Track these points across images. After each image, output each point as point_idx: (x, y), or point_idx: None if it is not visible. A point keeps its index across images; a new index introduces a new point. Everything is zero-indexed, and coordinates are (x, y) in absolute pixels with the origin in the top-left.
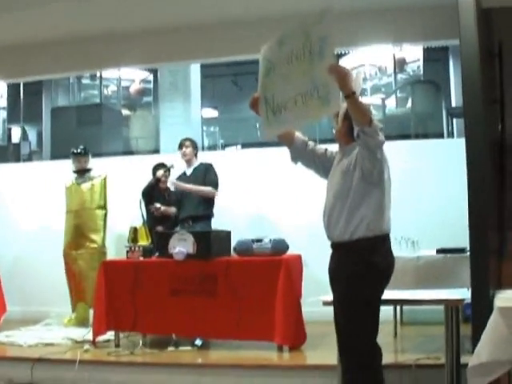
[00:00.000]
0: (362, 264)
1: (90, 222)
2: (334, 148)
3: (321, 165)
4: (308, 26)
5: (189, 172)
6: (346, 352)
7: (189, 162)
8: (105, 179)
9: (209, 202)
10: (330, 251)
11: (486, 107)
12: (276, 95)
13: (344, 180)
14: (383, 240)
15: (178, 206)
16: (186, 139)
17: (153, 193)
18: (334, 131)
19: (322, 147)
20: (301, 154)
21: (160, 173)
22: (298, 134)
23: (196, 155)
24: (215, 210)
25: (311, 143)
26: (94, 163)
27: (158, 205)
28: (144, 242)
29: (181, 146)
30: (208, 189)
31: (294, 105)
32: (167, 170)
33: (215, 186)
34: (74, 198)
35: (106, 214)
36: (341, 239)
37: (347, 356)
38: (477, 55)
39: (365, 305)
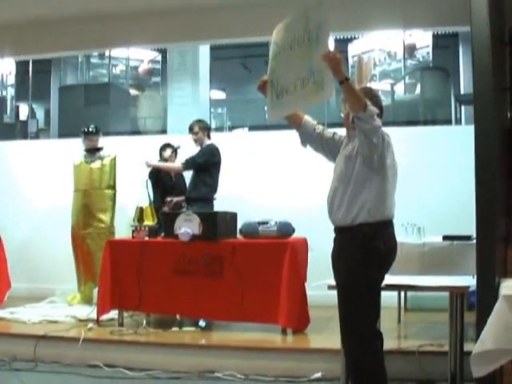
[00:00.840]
0: (363, 249)
1: (98, 202)
2: (342, 132)
3: (328, 149)
4: (308, 12)
5: None
6: (346, 336)
7: (200, 144)
8: (114, 159)
9: (207, 184)
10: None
11: (495, 94)
12: (280, 79)
13: (347, 165)
14: (385, 225)
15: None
16: (195, 122)
17: (159, 174)
18: (341, 115)
19: (330, 131)
20: (309, 138)
21: (167, 153)
22: (307, 118)
23: (209, 136)
24: (221, 192)
25: (320, 127)
26: (102, 142)
27: (169, 198)
28: (150, 222)
29: (189, 130)
30: (175, 166)
31: (294, 89)
32: (174, 150)
33: (188, 162)
34: (82, 176)
35: (114, 194)
36: (343, 223)
37: (348, 340)
38: (488, 41)
39: (364, 289)
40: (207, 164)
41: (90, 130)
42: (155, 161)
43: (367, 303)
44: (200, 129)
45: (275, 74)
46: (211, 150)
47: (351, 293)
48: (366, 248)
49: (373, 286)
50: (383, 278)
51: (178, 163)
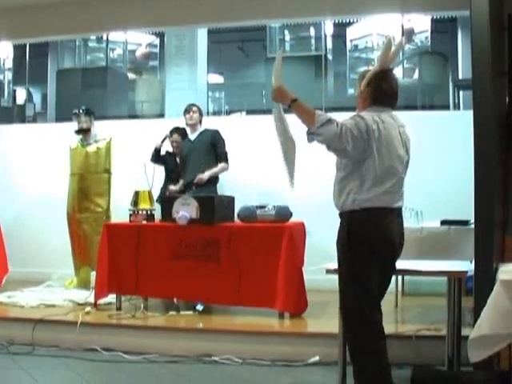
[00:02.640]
0: (347, 235)
1: (94, 186)
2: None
3: None
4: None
5: (193, 137)
6: (342, 321)
7: (193, 128)
8: (109, 142)
9: (212, 166)
10: (332, 220)
11: (494, 79)
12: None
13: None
14: (371, 213)
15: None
16: (193, 104)
17: (160, 156)
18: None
19: None
20: None
21: (175, 137)
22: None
23: (201, 121)
24: (219, 176)
25: None
26: (98, 126)
27: (172, 187)
28: (146, 205)
29: (187, 111)
30: (220, 167)
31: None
32: (182, 134)
33: (226, 158)
34: (78, 160)
35: (110, 178)
36: (338, 209)
37: (343, 325)
38: (487, 26)
39: (351, 274)
40: None
41: (80, 111)
42: (207, 174)
43: (353, 288)
44: (198, 110)
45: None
46: (220, 135)
47: (341, 277)
48: (349, 234)
49: (357, 271)
50: (371, 265)
51: (220, 165)
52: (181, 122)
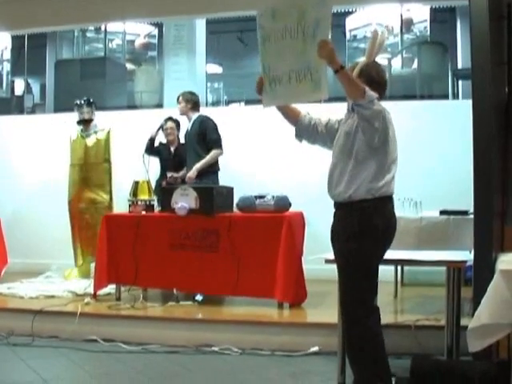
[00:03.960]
0: (361, 224)
1: (95, 176)
2: (337, 107)
3: (328, 136)
4: (305, 6)
5: (189, 127)
6: (343, 310)
7: (187, 117)
8: (109, 132)
9: (203, 156)
10: (331, 210)
11: (493, 69)
12: (271, 67)
13: (347, 141)
14: (384, 202)
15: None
16: (181, 94)
17: (154, 147)
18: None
19: (325, 118)
20: (306, 132)
21: (169, 125)
22: (303, 113)
23: (194, 109)
24: (220, 165)
25: (315, 118)
26: (98, 116)
27: (169, 174)
28: (146, 196)
29: (177, 102)
30: (212, 154)
31: (288, 81)
32: (176, 123)
33: (217, 144)
34: (79, 151)
35: (110, 168)
36: (342, 199)
37: (345, 314)
38: (486, 15)
39: (361, 264)
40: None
41: (82, 102)
42: (195, 169)
43: (361, 278)
44: (183, 100)
45: (266, 60)
46: (211, 121)
47: (346, 267)
48: (363, 224)
49: (370, 262)
50: (382, 255)
51: (211, 153)
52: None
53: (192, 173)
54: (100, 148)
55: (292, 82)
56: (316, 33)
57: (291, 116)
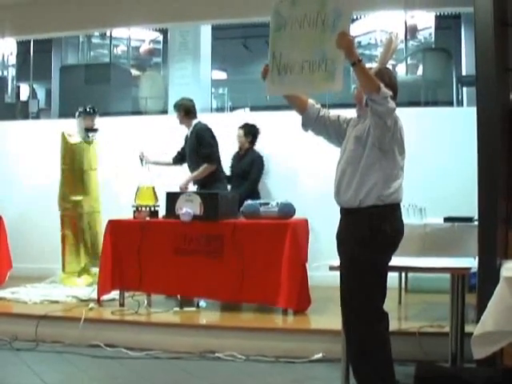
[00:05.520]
0: (371, 231)
1: (92, 182)
2: (346, 114)
3: (333, 132)
4: None
5: (189, 134)
6: (351, 317)
7: (186, 125)
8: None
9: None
10: (336, 217)
11: (498, 76)
12: (283, 55)
13: (357, 146)
14: (393, 208)
15: None
16: (174, 105)
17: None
18: (355, 91)
19: (334, 114)
20: (312, 122)
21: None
22: (311, 102)
23: (188, 116)
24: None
25: (324, 110)
26: (102, 122)
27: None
28: (150, 202)
29: None
30: (201, 169)
31: (301, 71)
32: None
33: (208, 158)
34: (81, 155)
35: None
36: (350, 205)
37: (352, 321)
38: (491, 22)
39: (371, 270)
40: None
41: (93, 110)
42: (185, 181)
43: (371, 284)
44: (175, 110)
45: (278, 48)
46: (206, 132)
47: (356, 274)
48: (373, 230)
49: (378, 268)
50: (389, 260)
51: (201, 167)
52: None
53: (182, 184)
54: (95, 155)
55: (304, 72)
56: (336, 24)
57: (299, 104)
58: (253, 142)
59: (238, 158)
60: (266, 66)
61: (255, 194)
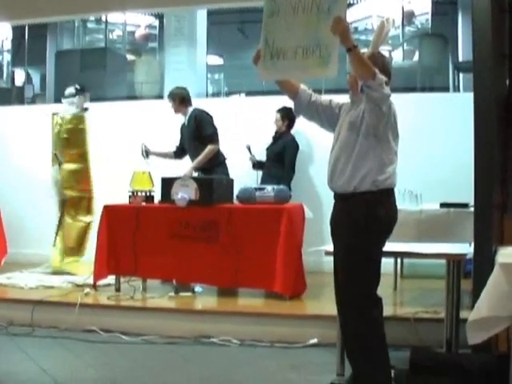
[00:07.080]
0: (364, 216)
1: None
2: (339, 99)
3: (325, 117)
4: None
5: (186, 122)
6: (345, 303)
7: (182, 113)
8: None
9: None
10: (331, 202)
11: (494, 62)
12: (277, 40)
13: (351, 132)
14: (387, 194)
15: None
16: (168, 95)
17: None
18: (348, 77)
19: (326, 98)
20: (305, 107)
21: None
22: (303, 87)
23: (183, 104)
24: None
25: (316, 95)
26: (97, 107)
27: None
28: (146, 187)
29: None
30: (207, 151)
31: (293, 56)
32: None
33: (212, 139)
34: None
35: None
36: (344, 191)
37: (347, 307)
38: (488, 9)
39: (366, 256)
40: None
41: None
42: (191, 168)
43: (366, 269)
44: (169, 99)
45: (271, 33)
46: (204, 115)
47: (350, 259)
48: (367, 215)
49: (372, 253)
50: (383, 246)
51: (205, 150)
52: None
53: (188, 171)
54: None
55: (298, 57)
56: (331, 9)
57: (290, 90)
58: (290, 125)
59: (272, 141)
60: (259, 52)
61: (289, 180)
